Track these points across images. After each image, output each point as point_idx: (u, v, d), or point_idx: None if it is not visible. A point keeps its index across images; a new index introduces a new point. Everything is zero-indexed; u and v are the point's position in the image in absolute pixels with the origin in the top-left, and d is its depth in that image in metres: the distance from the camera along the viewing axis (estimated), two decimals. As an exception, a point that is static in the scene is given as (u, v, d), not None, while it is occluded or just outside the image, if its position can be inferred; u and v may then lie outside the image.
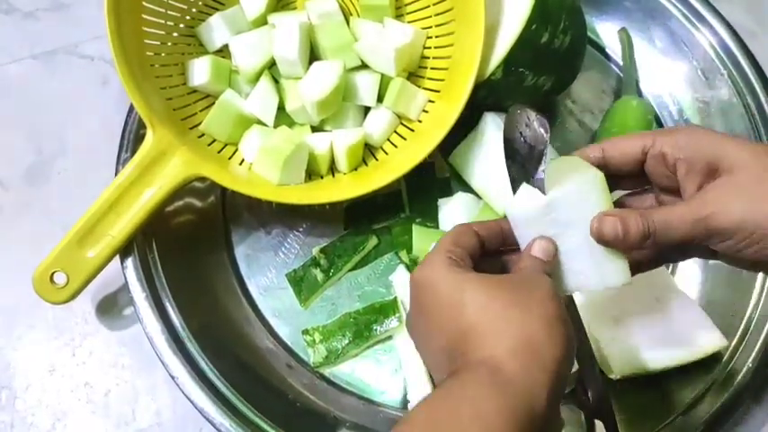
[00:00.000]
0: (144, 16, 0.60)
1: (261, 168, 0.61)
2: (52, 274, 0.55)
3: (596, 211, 0.42)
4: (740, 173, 0.40)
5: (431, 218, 0.65)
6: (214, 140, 0.62)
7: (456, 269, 0.41)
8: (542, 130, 0.42)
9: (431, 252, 0.43)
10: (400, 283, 0.62)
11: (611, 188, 0.43)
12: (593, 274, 0.43)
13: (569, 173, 0.43)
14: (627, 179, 0.46)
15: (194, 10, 0.64)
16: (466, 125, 0.61)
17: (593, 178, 0.42)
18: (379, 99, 0.64)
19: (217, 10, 0.65)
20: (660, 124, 0.71)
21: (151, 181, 0.56)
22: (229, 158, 0.62)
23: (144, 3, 0.59)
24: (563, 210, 0.43)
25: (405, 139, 0.64)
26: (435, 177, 0.66)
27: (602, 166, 0.44)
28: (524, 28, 0.58)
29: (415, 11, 0.66)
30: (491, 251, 0.45)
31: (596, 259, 0.43)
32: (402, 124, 0.62)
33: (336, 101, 0.61)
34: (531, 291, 0.40)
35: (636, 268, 0.45)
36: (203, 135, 0.62)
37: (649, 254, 0.46)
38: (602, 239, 0.42)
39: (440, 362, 0.41)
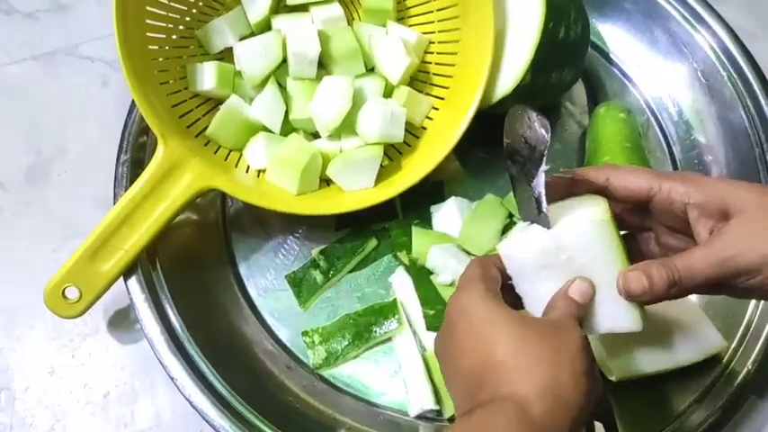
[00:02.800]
0: (148, 21, 0.59)
1: (276, 178, 0.61)
2: (64, 288, 0.55)
3: (609, 253, 0.43)
4: (754, 212, 0.41)
5: (425, 222, 0.65)
6: (219, 147, 0.62)
7: (493, 300, 0.42)
8: (543, 131, 0.42)
9: (467, 280, 0.44)
10: (400, 285, 0.62)
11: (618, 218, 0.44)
12: (608, 316, 0.44)
13: (574, 210, 0.44)
14: (625, 210, 0.47)
15: (194, 11, 0.64)
16: (485, 134, 0.61)
17: (602, 215, 0.42)
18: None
19: (215, 10, 0.65)
20: (663, 126, 0.71)
21: (164, 194, 0.56)
22: (236, 165, 0.62)
23: (147, 7, 0.59)
24: (570, 251, 0.43)
25: (409, 145, 0.64)
26: (428, 182, 0.66)
27: (604, 194, 0.45)
28: (543, 29, 0.58)
29: (417, 14, 0.66)
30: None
31: (612, 303, 0.43)
32: (406, 130, 0.62)
33: (344, 117, 0.61)
34: (563, 339, 0.40)
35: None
36: (209, 142, 0.62)
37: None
38: (630, 296, 0.42)
39: (464, 389, 0.41)
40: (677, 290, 0.42)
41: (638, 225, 0.48)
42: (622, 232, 0.46)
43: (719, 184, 0.43)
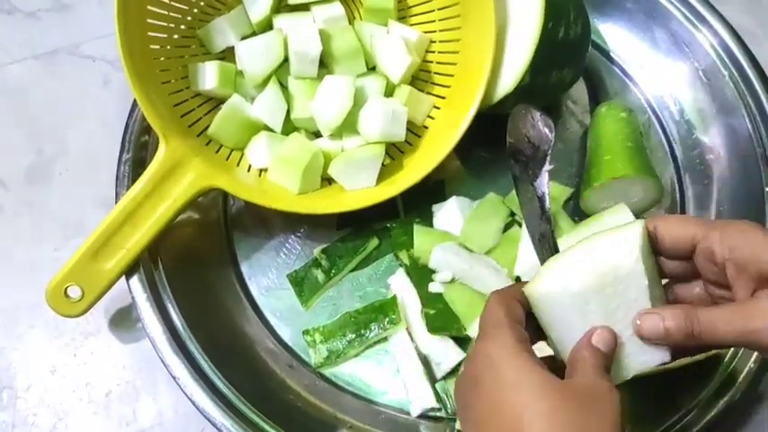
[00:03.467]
0: (149, 20, 0.59)
1: (278, 177, 0.61)
2: (66, 288, 0.55)
3: (641, 295, 0.41)
4: None
5: (426, 221, 0.65)
6: (221, 146, 0.62)
7: (525, 358, 0.39)
8: (547, 131, 0.42)
9: (493, 324, 0.41)
10: (399, 287, 0.62)
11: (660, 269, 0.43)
12: (636, 355, 0.42)
13: (609, 237, 0.41)
14: (672, 261, 0.44)
15: (195, 10, 0.64)
16: (486, 134, 0.60)
17: (640, 241, 0.40)
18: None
19: (217, 9, 0.65)
20: (666, 126, 0.71)
21: (166, 194, 0.56)
22: (237, 165, 0.62)
23: (149, 6, 0.59)
24: (602, 296, 0.41)
25: (410, 144, 0.64)
26: (430, 181, 0.66)
27: (651, 243, 0.43)
28: (542, 29, 0.58)
29: (418, 14, 0.66)
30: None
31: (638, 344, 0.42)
32: (407, 129, 0.62)
33: (345, 116, 0.61)
34: (599, 412, 0.37)
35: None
36: (210, 141, 0.62)
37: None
38: (643, 337, 0.41)
39: None
40: (696, 344, 0.39)
41: (682, 274, 0.45)
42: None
43: (762, 241, 0.39)
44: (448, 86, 0.64)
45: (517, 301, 0.43)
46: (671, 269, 0.44)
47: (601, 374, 0.39)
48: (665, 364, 0.42)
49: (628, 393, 0.55)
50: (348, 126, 0.62)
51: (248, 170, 0.63)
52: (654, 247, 0.43)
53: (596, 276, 0.41)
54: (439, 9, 0.64)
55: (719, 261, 0.40)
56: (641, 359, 0.42)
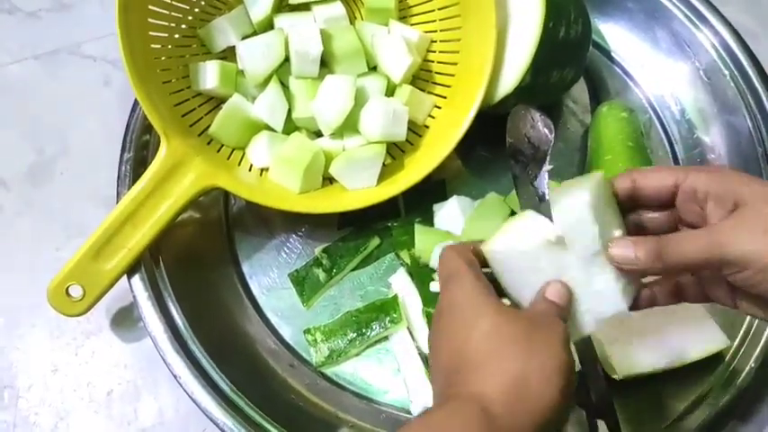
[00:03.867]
0: (150, 20, 0.59)
1: (279, 177, 0.61)
2: (67, 287, 0.55)
3: (594, 245, 0.41)
4: (759, 206, 0.39)
5: (427, 221, 0.65)
6: (222, 146, 0.62)
7: (484, 290, 0.41)
8: (546, 131, 0.42)
9: (454, 271, 0.42)
10: (400, 286, 0.62)
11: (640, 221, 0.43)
12: (594, 309, 0.43)
13: (569, 191, 0.42)
14: (653, 211, 0.45)
15: (197, 10, 0.64)
16: (487, 133, 0.60)
17: (595, 191, 0.41)
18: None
19: (218, 9, 0.65)
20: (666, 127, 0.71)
21: (167, 193, 0.56)
22: (238, 164, 0.62)
23: (150, 6, 0.59)
24: (566, 239, 0.42)
25: (411, 144, 0.65)
26: (431, 181, 0.66)
27: (633, 197, 0.44)
28: (543, 29, 0.58)
29: (419, 14, 0.66)
30: None
31: (597, 295, 0.43)
32: (408, 129, 0.62)
33: (346, 116, 0.61)
34: (540, 333, 0.39)
35: (675, 296, 0.46)
36: (212, 141, 0.62)
37: (689, 286, 0.46)
38: (615, 261, 0.41)
39: (439, 380, 0.41)
40: (663, 266, 0.40)
41: (664, 223, 0.46)
42: None
43: (738, 177, 0.41)
44: (449, 86, 0.64)
45: (472, 253, 0.44)
46: (654, 223, 0.45)
47: (553, 314, 0.41)
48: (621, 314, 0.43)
49: (628, 393, 0.55)
50: (349, 126, 0.62)
51: (249, 170, 0.63)
52: (634, 201, 0.44)
53: (546, 233, 0.42)
54: (439, 9, 0.64)
55: (701, 197, 0.42)
56: (598, 310, 0.43)
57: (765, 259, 0.38)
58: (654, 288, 0.46)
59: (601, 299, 0.43)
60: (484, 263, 0.44)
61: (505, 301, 0.44)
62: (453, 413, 0.37)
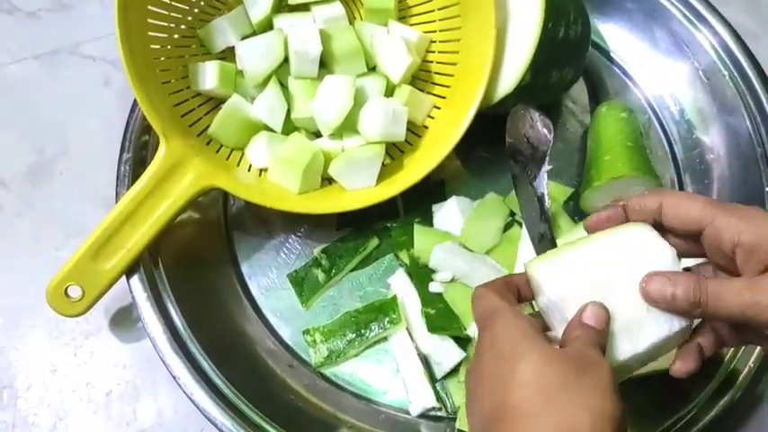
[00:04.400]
0: (150, 20, 0.59)
1: (278, 177, 0.61)
2: (66, 287, 0.55)
3: (644, 265, 0.40)
4: None
5: (426, 221, 0.65)
6: (221, 146, 0.62)
7: (530, 328, 0.39)
8: (546, 131, 0.42)
9: (492, 309, 0.41)
10: (399, 286, 0.62)
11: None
12: (631, 336, 0.41)
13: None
14: (679, 238, 0.43)
15: (196, 10, 0.64)
16: (486, 134, 0.61)
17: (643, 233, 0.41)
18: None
19: (217, 9, 0.65)
20: (665, 126, 0.71)
21: (166, 193, 0.56)
22: (237, 164, 0.62)
23: (149, 6, 0.59)
24: (606, 266, 0.41)
25: (410, 144, 0.64)
26: (430, 181, 0.66)
27: (657, 220, 0.43)
28: (542, 29, 0.58)
29: (418, 14, 0.66)
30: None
31: (633, 324, 0.41)
32: (408, 129, 0.62)
33: (346, 116, 0.61)
34: (588, 378, 0.36)
35: (715, 346, 0.44)
36: (211, 141, 0.62)
37: (727, 335, 0.44)
38: (647, 298, 0.40)
39: (477, 425, 0.39)
40: (701, 312, 0.39)
41: (690, 252, 0.44)
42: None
43: None
44: (448, 86, 0.64)
45: (513, 286, 0.42)
46: (679, 247, 0.43)
47: (593, 347, 0.38)
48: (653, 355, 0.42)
49: (628, 393, 0.55)
50: (348, 126, 0.62)
51: (248, 170, 0.63)
52: (659, 223, 0.43)
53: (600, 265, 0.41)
54: (439, 9, 0.64)
55: (728, 246, 0.39)
56: (632, 344, 0.41)
57: None
58: (698, 338, 0.44)
59: (652, 321, 0.41)
60: (519, 298, 0.43)
61: (550, 333, 0.43)
62: None
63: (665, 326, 0.40)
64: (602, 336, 0.39)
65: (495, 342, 0.39)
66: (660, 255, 0.41)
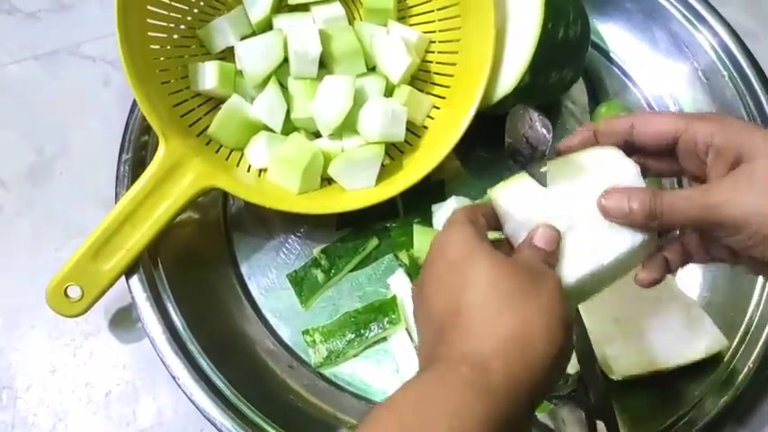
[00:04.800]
0: (149, 20, 0.59)
1: (278, 178, 0.61)
2: (66, 287, 0.55)
3: (607, 183, 0.41)
4: (759, 163, 0.37)
5: (426, 221, 0.65)
6: (221, 146, 0.62)
7: (477, 240, 0.39)
8: (545, 131, 0.42)
9: (452, 221, 0.41)
10: (399, 287, 0.62)
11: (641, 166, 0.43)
12: (593, 251, 0.41)
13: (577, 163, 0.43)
14: (653, 158, 0.44)
15: (196, 10, 0.64)
16: (486, 134, 0.60)
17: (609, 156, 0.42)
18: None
19: (217, 9, 0.65)
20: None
21: (165, 194, 0.56)
22: (237, 165, 0.62)
23: (149, 6, 0.59)
24: (565, 192, 0.42)
25: (410, 144, 0.65)
26: (430, 181, 0.66)
27: (629, 140, 0.43)
28: (542, 29, 0.58)
29: (418, 14, 0.66)
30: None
31: (599, 236, 0.42)
32: (407, 129, 0.62)
33: (345, 116, 0.61)
34: (537, 282, 0.37)
35: (682, 260, 0.45)
36: (210, 141, 0.62)
37: (693, 245, 0.45)
38: (606, 213, 0.41)
39: (428, 338, 0.39)
40: (659, 224, 0.40)
41: (665, 170, 0.45)
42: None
43: (742, 128, 0.39)
44: (448, 86, 0.65)
45: (481, 214, 0.42)
46: (655, 170, 0.45)
47: (541, 263, 0.39)
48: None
49: (627, 394, 0.55)
50: (348, 126, 0.62)
51: (248, 170, 0.63)
52: (632, 146, 0.44)
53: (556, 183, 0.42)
54: (439, 9, 0.65)
55: (702, 149, 0.41)
56: (606, 247, 0.42)
57: (754, 225, 0.37)
58: (665, 252, 0.45)
59: (613, 236, 0.42)
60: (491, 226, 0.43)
61: None
62: (444, 375, 0.34)
63: (628, 239, 0.42)
64: (551, 256, 0.40)
65: (446, 251, 0.40)
66: (624, 172, 0.42)
